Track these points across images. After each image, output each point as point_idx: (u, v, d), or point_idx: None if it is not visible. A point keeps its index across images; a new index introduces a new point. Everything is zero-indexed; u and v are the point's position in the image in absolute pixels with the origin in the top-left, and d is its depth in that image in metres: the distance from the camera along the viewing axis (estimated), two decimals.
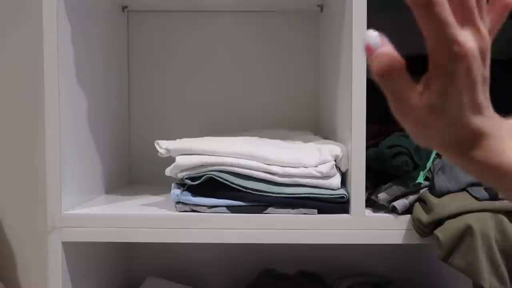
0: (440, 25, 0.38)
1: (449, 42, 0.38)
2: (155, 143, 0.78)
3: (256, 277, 1.04)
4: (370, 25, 0.72)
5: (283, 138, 0.87)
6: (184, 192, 0.76)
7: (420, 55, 1.06)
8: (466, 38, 0.39)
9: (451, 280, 1.10)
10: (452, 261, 0.69)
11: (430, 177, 0.78)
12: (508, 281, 0.68)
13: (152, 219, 0.76)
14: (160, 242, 0.76)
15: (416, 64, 1.07)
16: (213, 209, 0.75)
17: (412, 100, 0.40)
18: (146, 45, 1.11)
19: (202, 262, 1.12)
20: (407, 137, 0.81)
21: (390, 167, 0.77)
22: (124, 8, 1.07)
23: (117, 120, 1.04)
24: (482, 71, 0.40)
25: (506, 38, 1.07)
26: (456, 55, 0.38)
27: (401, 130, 0.84)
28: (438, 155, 0.79)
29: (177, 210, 0.77)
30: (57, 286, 0.76)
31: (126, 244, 1.09)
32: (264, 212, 0.75)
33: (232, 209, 0.75)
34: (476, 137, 0.39)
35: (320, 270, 1.08)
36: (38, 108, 1.09)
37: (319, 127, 1.08)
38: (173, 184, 0.79)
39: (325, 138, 0.91)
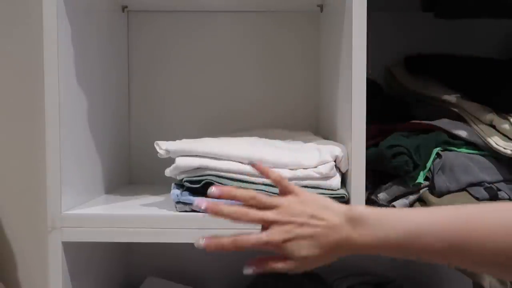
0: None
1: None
2: (155, 144, 0.78)
3: (256, 277, 1.04)
4: (370, 25, 0.72)
5: (283, 138, 0.87)
6: (184, 192, 0.76)
7: (420, 55, 1.06)
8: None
9: (451, 280, 1.10)
10: None
11: (430, 177, 0.78)
12: (508, 281, 0.68)
13: (152, 219, 0.76)
14: (160, 242, 0.76)
15: (415, 63, 1.07)
16: None
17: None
18: (146, 45, 1.10)
19: (202, 262, 1.12)
20: (407, 137, 0.81)
21: (390, 167, 0.77)
22: (124, 8, 1.07)
23: (117, 120, 1.04)
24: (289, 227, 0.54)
25: (505, 38, 1.07)
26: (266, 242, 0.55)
27: (401, 130, 0.85)
28: (438, 155, 0.79)
29: (177, 210, 0.77)
30: (57, 286, 0.76)
31: (126, 244, 1.09)
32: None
33: None
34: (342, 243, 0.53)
35: (320, 270, 1.07)
36: (38, 108, 1.09)
37: (319, 127, 1.08)
38: (173, 184, 0.79)
39: (325, 138, 0.91)
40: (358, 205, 0.54)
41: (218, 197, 0.58)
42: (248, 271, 0.61)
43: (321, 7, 1.05)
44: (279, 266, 0.58)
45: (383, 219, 0.52)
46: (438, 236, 0.49)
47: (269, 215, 0.56)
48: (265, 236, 0.55)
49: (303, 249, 0.54)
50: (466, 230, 0.48)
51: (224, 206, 0.57)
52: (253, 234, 0.56)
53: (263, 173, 0.60)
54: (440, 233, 0.49)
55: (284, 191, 0.58)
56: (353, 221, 0.52)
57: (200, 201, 0.58)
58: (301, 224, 0.54)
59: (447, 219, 0.50)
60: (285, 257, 0.56)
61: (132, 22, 1.10)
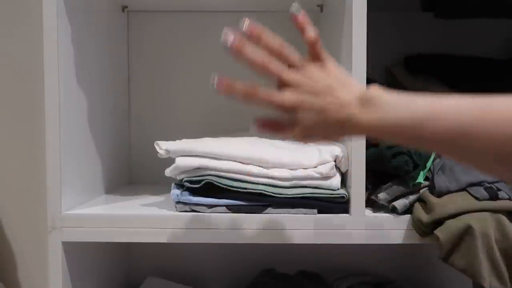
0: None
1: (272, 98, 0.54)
2: (155, 144, 0.78)
3: (256, 277, 1.04)
4: (370, 25, 0.72)
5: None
6: (184, 192, 0.76)
7: (420, 55, 1.06)
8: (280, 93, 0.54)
9: (451, 280, 1.10)
10: (452, 261, 0.69)
11: (430, 177, 0.78)
12: (508, 281, 0.68)
13: (152, 219, 0.76)
14: (160, 242, 0.76)
15: (415, 63, 1.07)
16: (213, 209, 0.75)
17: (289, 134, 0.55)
18: (146, 45, 1.11)
19: (202, 262, 1.12)
20: None
21: (390, 167, 0.77)
22: (124, 8, 1.07)
23: (117, 120, 1.04)
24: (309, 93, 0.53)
25: (505, 38, 1.07)
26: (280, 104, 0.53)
27: None
28: (438, 155, 0.79)
29: (177, 210, 0.77)
30: (57, 286, 0.76)
31: (126, 244, 1.09)
32: (264, 212, 0.75)
33: (232, 209, 0.75)
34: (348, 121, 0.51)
35: (320, 270, 1.07)
36: (38, 108, 1.09)
37: None
38: (173, 184, 0.79)
39: None
40: (375, 87, 0.51)
41: (247, 35, 0.56)
42: (253, 127, 0.58)
43: (321, 7, 1.05)
44: (283, 130, 0.56)
45: (393, 102, 0.50)
46: (446, 123, 0.46)
47: (289, 74, 0.54)
48: (277, 94, 0.54)
49: (309, 118, 0.52)
50: (476, 119, 0.45)
51: (249, 50, 0.55)
52: (267, 90, 0.54)
53: (300, 27, 0.57)
54: (448, 120, 0.46)
55: (314, 57, 0.56)
56: (364, 101, 0.50)
57: (229, 33, 0.57)
58: (315, 95, 0.52)
59: (458, 106, 0.47)
60: (290, 124, 0.54)
61: (132, 22, 1.10)
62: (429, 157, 0.79)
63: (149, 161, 1.08)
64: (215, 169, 0.75)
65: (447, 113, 0.47)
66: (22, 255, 1.12)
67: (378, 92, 0.51)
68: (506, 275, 0.67)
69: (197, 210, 0.76)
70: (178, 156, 0.77)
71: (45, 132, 0.75)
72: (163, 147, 0.78)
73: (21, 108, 1.10)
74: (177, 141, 0.79)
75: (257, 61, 0.55)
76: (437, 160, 0.79)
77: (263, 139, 0.84)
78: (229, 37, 0.56)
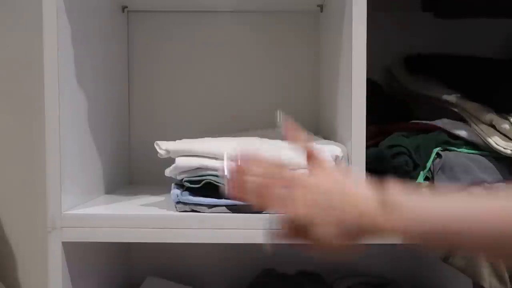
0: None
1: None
2: (154, 144, 0.78)
3: (256, 277, 1.04)
4: (370, 25, 0.72)
5: (283, 138, 0.87)
6: (184, 192, 0.76)
7: (420, 55, 1.06)
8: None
9: (451, 280, 1.09)
10: (452, 261, 0.69)
11: (430, 177, 0.78)
12: (508, 281, 0.68)
13: (152, 219, 0.76)
14: (160, 242, 0.76)
15: (415, 63, 1.07)
16: (213, 209, 0.75)
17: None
18: (146, 45, 1.10)
19: (202, 262, 1.12)
20: (407, 137, 0.81)
21: (390, 167, 0.77)
22: (124, 8, 1.07)
23: (117, 120, 1.04)
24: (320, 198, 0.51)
25: (505, 38, 1.07)
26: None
27: (401, 130, 0.85)
28: (438, 155, 0.79)
29: (177, 210, 0.77)
30: (57, 286, 0.76)
31: (126, 244, 1.09)
32: (264, 212, 0.75)
33: (232, 209, 0.75)
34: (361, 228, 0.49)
35: (320, 270, 1.07)
36: (38, 108, 1.09)
37: (319, 127, 1.08)
38: (173, 184, 0.79)
39: (325, 138, 0.91)
40: (390, 189, 0.49)
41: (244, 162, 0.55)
42: (267, 243, 0.59)
43: (321, 7, 1.05)
44: (307, 252, 0.54)
45: (413, 208, 0.48)
46: (467, 236, 0.46)
47: (297, 195, 0.52)
48: (291, 206, 0.52)
49: (330, 234, 0.50)
50: (499, 229, 0.44)
51: (250, 182, 0.54)
52: (281, 198, 0.52)
53: (292, 138, 0.56)
54: (472, 234, 0.46)
55: (314, 164, 0.54)
56: (384, 207, 0.49)
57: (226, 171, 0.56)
58: (331, 209, 0.50)
59: (484, 214, 0.46)
60: (308, 240, 0.52)
61: (132, 22, 1.10)
62: (429, 157, 0.79)
63: (149, 161, 1.07)
64: (215, 169, 0.75)
65: (467, 230, 0.46)
66: (22, 255, 1.12)
67: (395, 198, 0.49)
68: (506, 275, 0.68)
69: (197, 210, 0.76)
70: (178, 156, 0.77)
71: (45, 132, 0.75)
72: (163, 147, 0.78)
73: (21, 108, 1.10)
74: (177, 141, 0.79)
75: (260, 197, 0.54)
76: (437, 160, 0.79)
77: (264, 139, 0.84)
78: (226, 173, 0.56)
